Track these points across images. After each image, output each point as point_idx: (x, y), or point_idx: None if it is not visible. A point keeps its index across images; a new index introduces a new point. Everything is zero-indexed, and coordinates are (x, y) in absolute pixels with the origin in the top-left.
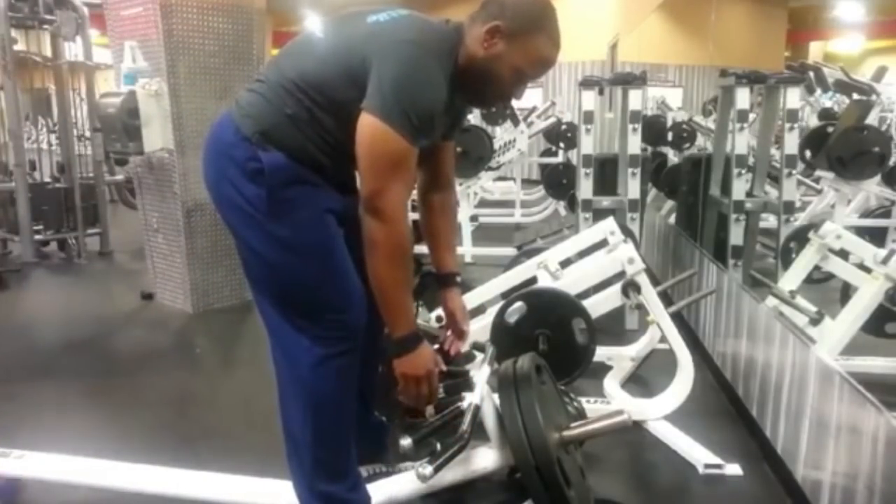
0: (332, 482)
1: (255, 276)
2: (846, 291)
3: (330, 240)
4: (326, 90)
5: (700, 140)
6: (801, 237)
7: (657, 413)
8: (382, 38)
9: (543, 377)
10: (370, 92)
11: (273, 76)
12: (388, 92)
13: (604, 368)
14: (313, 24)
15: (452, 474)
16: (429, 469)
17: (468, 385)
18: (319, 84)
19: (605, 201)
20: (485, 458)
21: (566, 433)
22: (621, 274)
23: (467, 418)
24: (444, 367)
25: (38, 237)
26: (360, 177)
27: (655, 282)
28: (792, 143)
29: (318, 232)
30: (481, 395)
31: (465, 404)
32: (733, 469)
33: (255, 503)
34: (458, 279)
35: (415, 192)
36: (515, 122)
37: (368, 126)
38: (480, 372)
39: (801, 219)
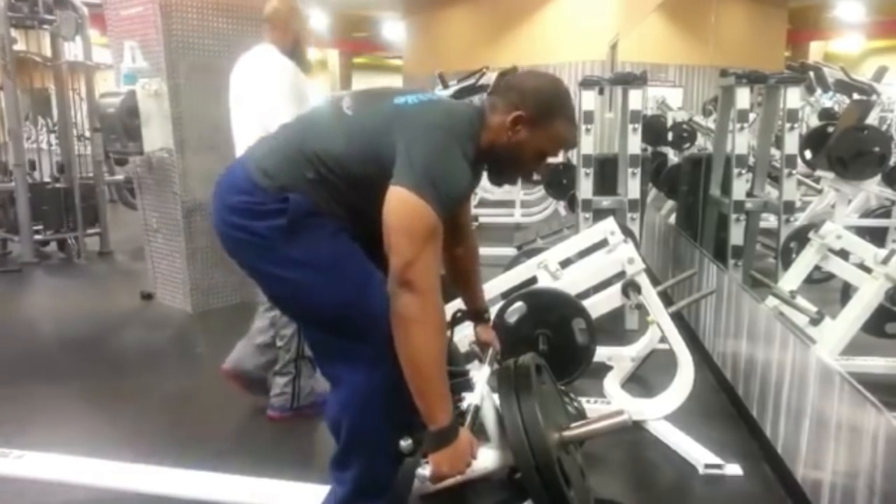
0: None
1: (287, 305)
2: (846, 291)
3: (347, 249)
4: (350, 167)
5: (700, 140)
6: (801, 237)
7: (657, 413)
8: (410, 121)
9: (543, 377)
10: (399, 168)
11: (295, 141)
12: (419, 168)
13: (604, 368)
14: (340, 98)
15: None
16: (428, 473)
17: (468, 385)
18: (343, 162)
19: (605, 201)
20: (485, 459)
21: (566, 433)
22: (621, 274)
23: (467, 419)
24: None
25: (37, 237)
26: (390, 251)
27: (655, 282)
28: (792, 142)
29: (332, 247)
30: (481, 396)
31: (464, 405)
32: (733, 469)
33: None
34: (487, 315)
35: None
36: None
37: (401, 198)
38: (480, 372)
39: (801, 219)
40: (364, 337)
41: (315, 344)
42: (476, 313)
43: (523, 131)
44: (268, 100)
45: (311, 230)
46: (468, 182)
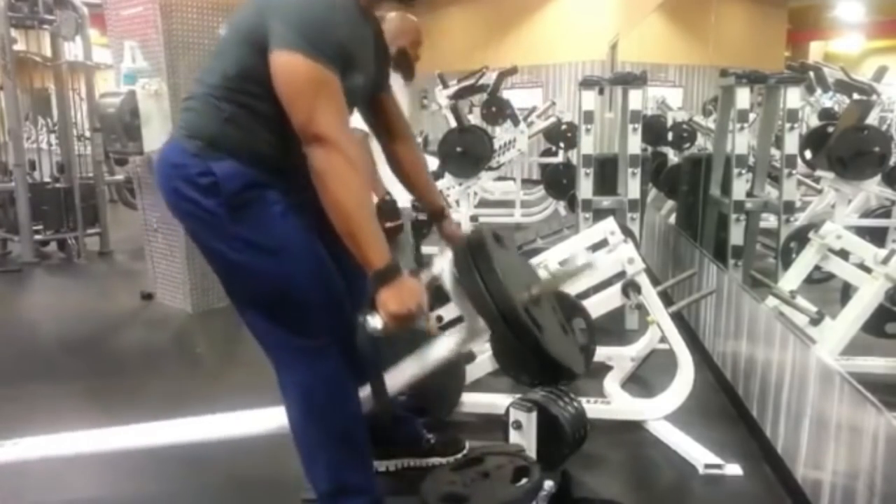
0: (344, 480)
1: (232, 287)
2: (846, 291)
3: (295, 233)
4: (251, 74)
5: (700, 140)
6: (801, 237)
7: (657, 413)
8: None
9: (504, 244)
10: (272, 37)
11: (200, 90)
12: (288, 28)
13: (604, 368)
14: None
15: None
16: (379, 322)
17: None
18: (242, 73)
19: (606, 201)
20: (453, 337)
21: (534, 287)
22: (621, 274)
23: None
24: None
25: (37, 237)
26: (290, 115)
27: (655, 282)
28: (792, 142)
29: (278, 227)
30: (441, 268)
31: (422, 275)
32: (733, 469)
33: None
34: (447, 211)
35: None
36: (515, 122)
37: (277, 62)
38: (443, 255)
39: (801, 219)
40: (308, 327)
41: (258, 332)
42: (435, 212)
43: None
44: None
45: (259, 208)
46: (350, 27)
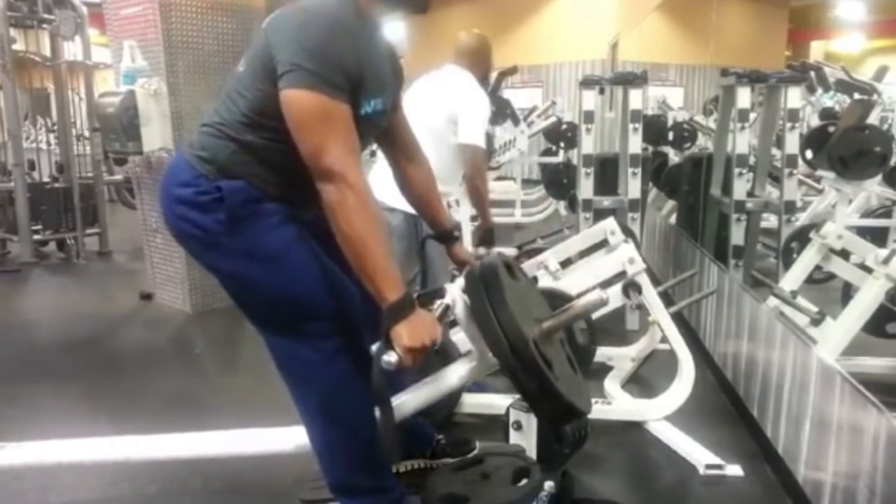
0: (363, 479)
1: (243, 301)
2: (847, 291)
3: (292, 242)
4: (267, 110)
5: (701, 140)
6: (802, 237)
7: (658, 413)
8: (276, 26)
9: (516, 274)
10: (279, 74)
11: (216, 119)
12: (293, 60)
13: (605, 369)
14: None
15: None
16: (393, 357)
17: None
18: (258, 109)
19: (606, 201)
20: (463, 366)
21: (546, 323)
22: (622, 274)
23: (437, 314)
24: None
25: (36, 237)
26: (300, 150)
27: (656, 282)
28: (793, 142)
29: (276, 236)
30: (452, 297)
31: (435, 305)
32: (734, 470)
33: None
34: (458, 233)
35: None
36: (516, 122)
37: (286, 100)
38: (454, 283)
39: (802, 219)
40: (319, 333)
41: (272, 345)
42: (444, 234)
43: None
44: (473, 123)
45: (255, 220)
46: (356, 47)
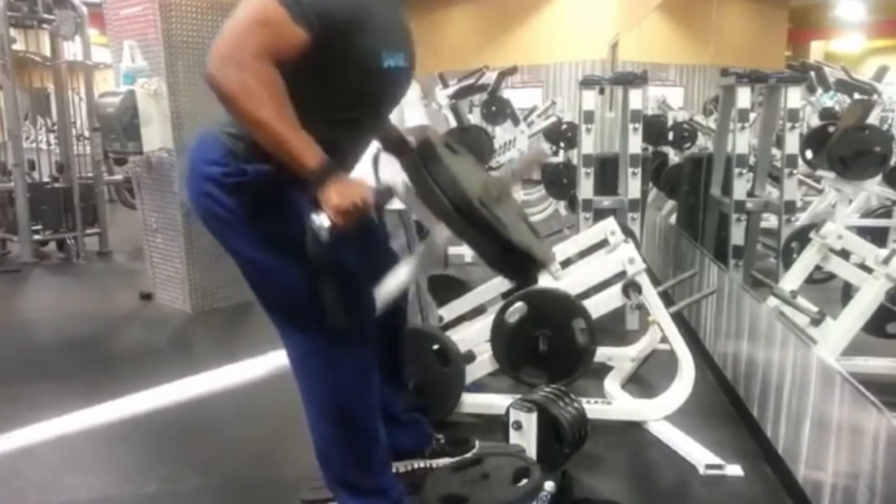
0: (364, 478)
1: (255, 285)
2: (847, 292)
3: None
4: (294, 71)
5: (701, 140)
6: (802, 237)
7: (658, 413)
8: None
9: (455, 148)
10: None
11: None
12: None
13: (604, 369)
14: None
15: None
16: (325, 219)
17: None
18: (291, 81)
19: (606, 201)
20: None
21: (489, 183)
22: (622, 274)
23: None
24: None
25: (36, 237)
26: (216, 40)
27: (656, 282)
28: (793, 142)
29: (299, 229)
30: (393, 179)
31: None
32: (734, 470)
33: None
34: (409, 142)
35: None
36: (515, 122)
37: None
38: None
39: (802, 219)
40: (331, 331)
41: (286, 335)
42: (395, 144)
43: None
44: None
45: (279, 209)
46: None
